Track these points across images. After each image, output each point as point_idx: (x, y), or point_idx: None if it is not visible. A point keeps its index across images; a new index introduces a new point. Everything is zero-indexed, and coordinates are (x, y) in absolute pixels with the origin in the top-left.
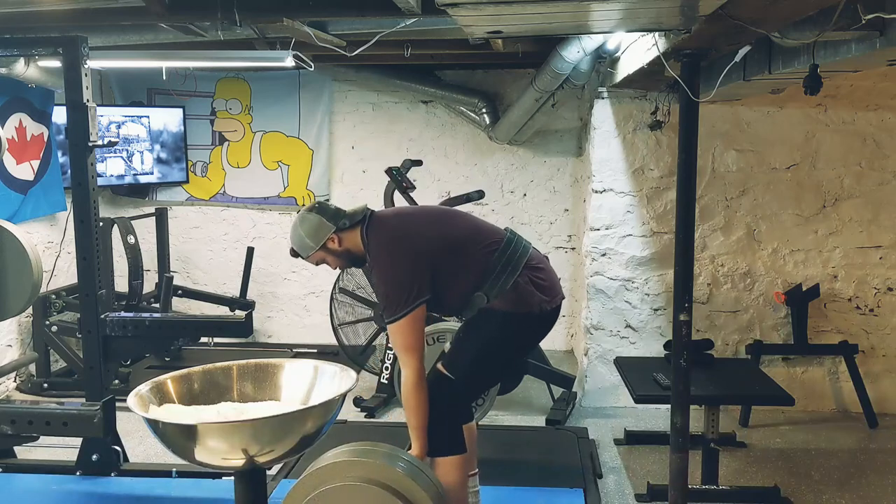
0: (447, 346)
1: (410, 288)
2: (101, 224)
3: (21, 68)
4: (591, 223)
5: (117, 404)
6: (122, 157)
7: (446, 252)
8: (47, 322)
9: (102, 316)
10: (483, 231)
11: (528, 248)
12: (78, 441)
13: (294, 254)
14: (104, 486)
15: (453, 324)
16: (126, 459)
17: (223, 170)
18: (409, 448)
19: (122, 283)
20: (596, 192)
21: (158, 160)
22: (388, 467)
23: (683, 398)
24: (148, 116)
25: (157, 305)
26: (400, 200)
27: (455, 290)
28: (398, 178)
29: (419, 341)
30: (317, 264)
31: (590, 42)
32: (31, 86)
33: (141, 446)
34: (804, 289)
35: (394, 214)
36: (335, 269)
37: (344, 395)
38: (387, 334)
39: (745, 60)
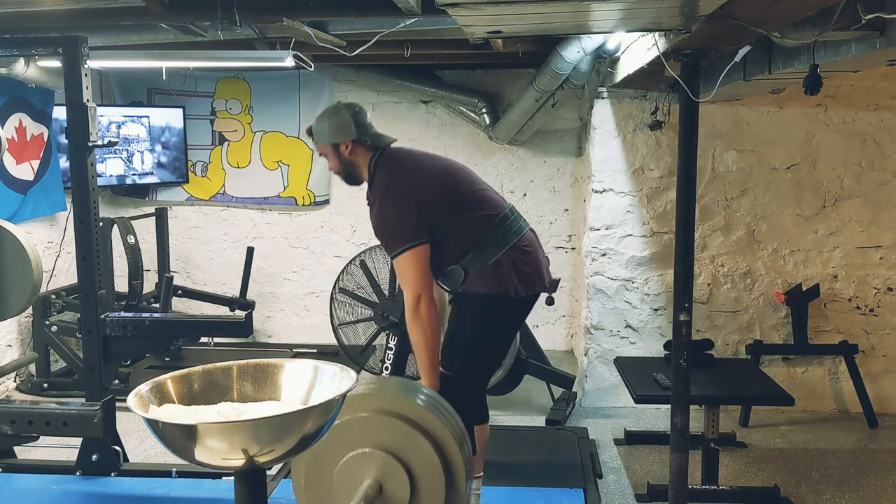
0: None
1: (407, 227)
2: (101, 224)
3: (21, 68)
4: (591, 223)
5: (117, 404)
6: (121, 157)
7: (447, 208)
8: (47, 322)
9: (102, 316)
10: (485, 199)
11: (523, 229)
12: (78, 441)
13: (309, 133)
14: (104, 486)
15: None
16: (126, 459)
17: (223, 170)
18: None
19: (122, 283)
20: (596, 192)
21: (158, 160)
22: (405, 400)
23: (683, 398)
24: (148, 116)
25: (157, 305)
26: None
27: (444, 248)
28: None
29: (420, 278)
30: (320, 155)
31: (590, 42)
32: (31, 86)
33: (141, 446)
34: (804, 289)
35: (406, 155)
36: (331, 169)
37: (344, 395)
38: (387, 334)
39: (745, 60)
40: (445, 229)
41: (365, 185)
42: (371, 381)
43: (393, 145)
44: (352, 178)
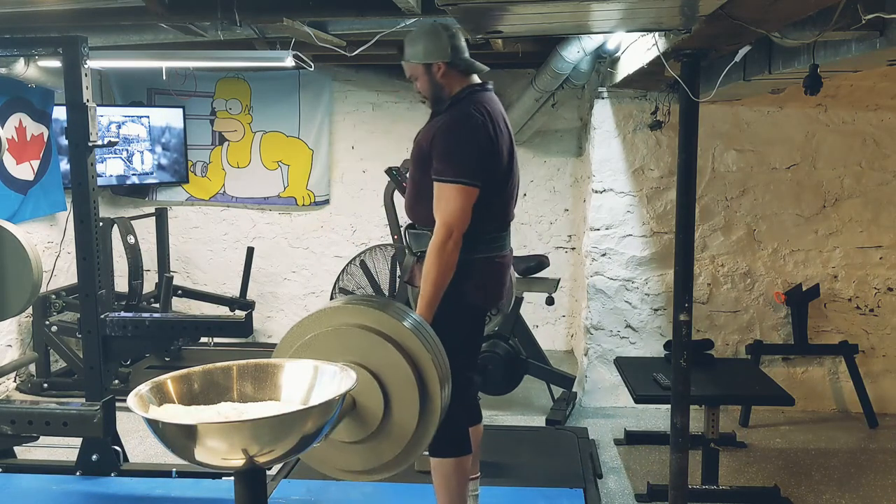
0: None
1: (471, 163)
2: (101, 224)
3: (21, 68)
4: (591, 223)
5: (117, 404)
6: (121, 157)
7: (489, 183)
8: (47, 322)
9: (102, 316)
10: (510, 205)
11: (506, 247)
12: (78, 441)
13: (400, 52)
14: (104, 486)
15: None
16: (126, 459)
17: (223, 170)
18: None
19: (122, 283)
20: (596, 192)
21: (158, 160)
22: (391, 319)
23: (683, 398)
24: (148, 116)
25: (157, 305)
26: (400, 200)
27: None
28: (398, 178)
29: (461, 217)
30: (409, 76)
31: (590, 42)
32: (31, 86)
33: (141, 446)
34: (804, 289)
35: (502, 113)
36: (419, 91)
37: (344, 395)
38: None
39: (745, 60)
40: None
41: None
42: (354, 298)
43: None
44: (439, 102)
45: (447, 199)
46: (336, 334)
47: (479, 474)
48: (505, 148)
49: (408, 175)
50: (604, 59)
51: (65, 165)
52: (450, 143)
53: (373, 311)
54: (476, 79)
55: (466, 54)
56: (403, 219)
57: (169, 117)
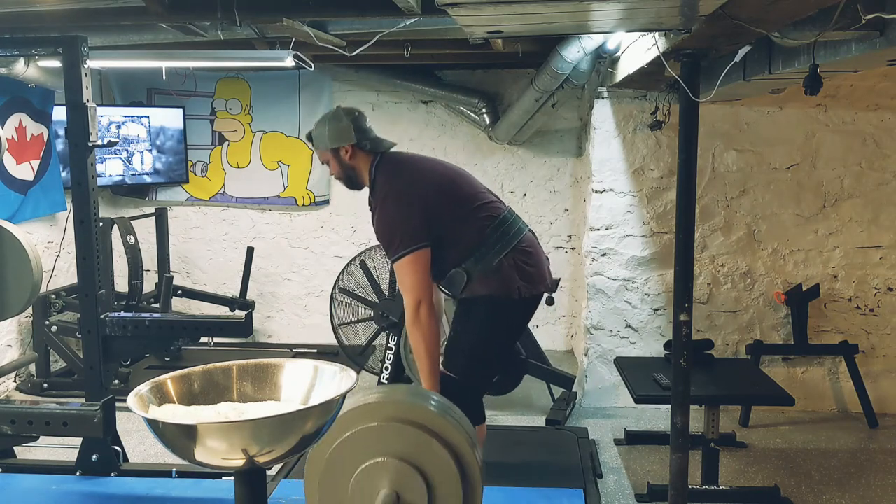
0: (442, 346)
1: (408, 231)
2: (101, 224)
3: (21, 68)
4: (591, 223)
5: (117, 404)
6: (121, 157)
7: (447, 212)
8: (47, 322)
9: (102, 316)
10: (485, 202)
11: (523, 231)
12: (78, 441)
13: (309, 138)
14: (104, 486)
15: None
16: (126, 459)
17: (223, 170)
18: None
19: (122, 283)
20: (596, 192)
21: (158, 160)
22: (416, 405)
23: (683, 398)
24: (148, 116)
25: (157, 305)
26: None
27: (445, 251)
28: None
29: (420, 283)
30: (322, 162)
31: (590, 42)
32: (31, 86)
33: (141, 446)
34: (804, 289)
35: (406, 159)
36: (333, 174)
37: (344, 395)
38: (387, 334)
39: (745, 60)
40: (445, 232)
41: (367, 191)
42: (379, 390)
43: (393, 149)
44: (353, 183)
45: (405, 274)
46: (374, 431)
47: None
48: (435, 179)
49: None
50: (604, 59)
51: (64, 174)
52: (381, 226)
53: (406, 401)
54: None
55: (372, 134)
56: None
57: (169, 117)
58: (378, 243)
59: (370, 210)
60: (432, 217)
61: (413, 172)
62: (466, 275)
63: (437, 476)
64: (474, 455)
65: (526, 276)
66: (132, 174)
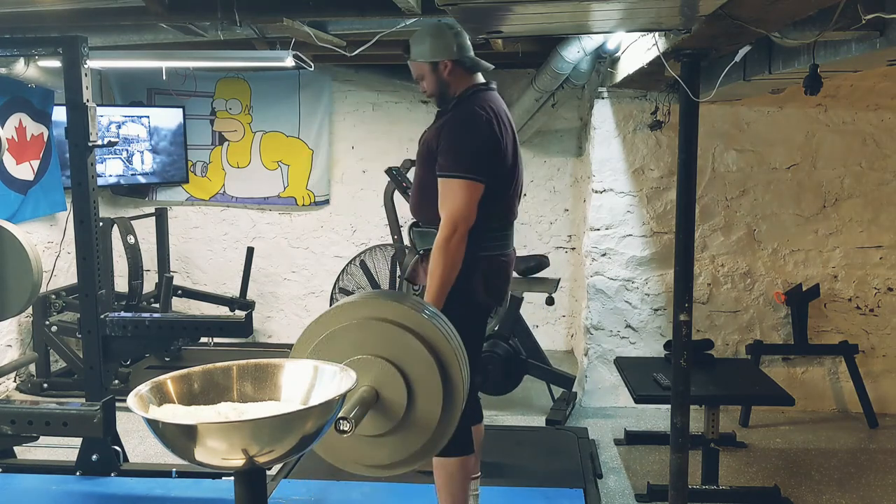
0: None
1: (479, 160)
2: (101, 224)
3: (21, 68)
4: (591, 223)
5: (117, 404)
6: (121, 157)
7: (495, 181)
8: (47, 322)
9: (102, 316)
10: (514, 202)
11: (509, 246)
12: (78, 441)
13: (405, 49)
14: (104, 486)
15: None
16: (126, 459)
17: (223, 170)
18: None
19: (122, 283)
20: (596, 192)
21: (158, 160)
22: (409, 310)
23: (683, 398)
24: (148, 116)
25: (157, 305)
26: (400, 200)
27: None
28: (398, 178)
29: (466, 211)
30: (415, 76)
31: (590, 42)
32: (31, 86)
33: (141, 446)
34: (804, 289)
35: (506, 111)
36: (424, 91)
37: (344, 395)
38: None
39: (745, 60)
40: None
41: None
42: (365, 293)
43: (496, 90)
44: (444, 100)
45: (453, 195)
46: (356, 328)
47: (479, 474)
48: (510, 146)
49: (414, 174)
50: (604, 59)
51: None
52: (455, 140)
53: (390, 303)
54: (480, 78)
55: (472, 52)
56: (403, 219)
57: (169, 117)
58: (378, 243)
59: (437, 120)
60: (491, 172)
61: (509, 126)
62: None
63: (417, 375)
64: (457, 359)
65: (488, 284)
66: (132, 174)
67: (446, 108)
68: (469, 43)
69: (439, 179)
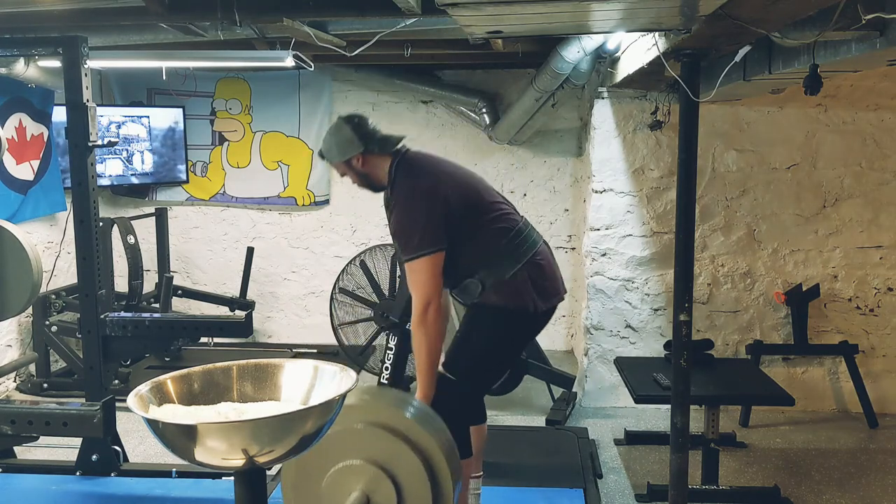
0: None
1: (426, 233)
2: (101, 224)
3: (21, 68)
4: (591, 223)
5: (117, 404)
6: (121, 157)
7: (466, 218)
8: (47, 322)
9: (102, 316)
10: (503, 213)
11: (537, 243)
12: (78, 441)
13: (321, 156)
14: (104, 486)
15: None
16: (126, 459)
17: (223, 170)
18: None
19: (122, 283)
20: (596, 192)
21: (158, 160)
22: (395, 412)
23: (683, 398)
24: (148, 116)
25: (157, 305)
26: None
27: (459, 258)
28: None
29: (433, 285)
30: (341, 175)
31: (590, 42)
32: (31, 86)
33: (141, 446)
34: (804, 289)
35: (428, 161)
36: (354, 184)
37: (344, 396)
38: (387, 334)
39: (745, 60)
40: (461, 239)
41: (364, 191)
42: (362, 392)
43: (412, 150)
44: (374, 187)
45: (415, 276)
46: (351, 434)
47: (482, 473)
48: (457, 180)
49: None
50: (604, 59)
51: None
52: (401, 223)
53: (383, 407)
54: (396, 145)
55: (378, 135)
56: None
57: (169, 117)
58: (378, 243)
59: (386, 208)
60: (451, 222)
61: (437, 174)
62: (481, 285)
63: (408, 482)
64: (447, 464)
65: (540, 289)
66: (132, 174)
67: (381, 190)
68: (371, 127)
69: (405, 265)
